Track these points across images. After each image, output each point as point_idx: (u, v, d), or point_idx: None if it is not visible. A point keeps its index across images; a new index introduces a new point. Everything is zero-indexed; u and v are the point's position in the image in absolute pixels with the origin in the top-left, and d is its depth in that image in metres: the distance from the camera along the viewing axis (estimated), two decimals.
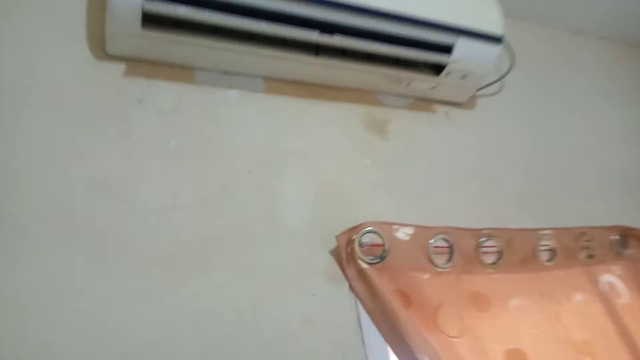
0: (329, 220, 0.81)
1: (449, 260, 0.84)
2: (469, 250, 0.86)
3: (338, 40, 0.88)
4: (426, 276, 0.80)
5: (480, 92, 1.19)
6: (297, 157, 0.86)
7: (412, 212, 0.88)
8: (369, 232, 0.79)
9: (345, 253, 0.77)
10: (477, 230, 0.88)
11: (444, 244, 0.85)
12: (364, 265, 0.76)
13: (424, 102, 1.09)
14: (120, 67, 0.81)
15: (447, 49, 0.99)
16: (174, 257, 0.70)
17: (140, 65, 0.82)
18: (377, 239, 0.79)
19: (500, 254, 0.88)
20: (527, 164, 1.11)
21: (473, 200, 0.97)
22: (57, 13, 0.79)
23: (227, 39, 0.84)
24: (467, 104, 1.15)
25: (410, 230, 0.82)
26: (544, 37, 1.47)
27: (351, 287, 0.76)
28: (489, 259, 0.87)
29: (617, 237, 1.03)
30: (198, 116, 0.82)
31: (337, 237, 0.77)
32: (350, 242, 0.77)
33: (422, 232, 0.83)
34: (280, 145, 0.86)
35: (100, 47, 0.80)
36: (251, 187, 0.79)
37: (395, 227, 0.81)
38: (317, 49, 0.91)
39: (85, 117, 0.73)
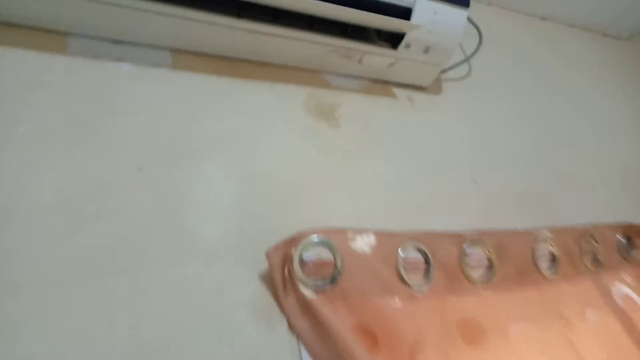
0: (258, 230, 0.57)
1: (427, 277, 0.62)
2: (451, 262, 0.64)
3: None
4: (397, 302, 0.57)
5: (447, 75, 1.00)
6: (215, 148, 0.63)
7: (372, 215, 0.66)
8: (314, 244, 0.56)
9: (280, 276, 0.53)
10: (458, 235, 0.66)
11: (418, 256, 0.63)
12: (308, 293, 0.53)
13: (381, 85, 0.89)
14: None
15: (405, 13, 0.79)
16: (29, 283, 0.45)
17: None
18: (326, 254, 0.57)
19: (490, 265, 0.67)
20: (506, 154, 0.92)
21: (447, 198, 0.76)
22: None
23: None
24: (433, 89, 0.96)
25: (371, 239, 0.60)
26: (511, 21, 1.32)
27: (290, 326, 0.52)
28: (477, 271, 0.66)
29: (623, 237, 0.85)
30: (67, 94, 0.58)
31: (268, 253, 0.54)
32: (287, 259, 0.54)
33: (388, 240, 0.61)
34: (190, 133, 0.63)
35: None
36: (143, 187, 0.55)
37: (350, 234, 0.59)
38: (239, 9, 0.70)
39: None
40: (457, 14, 0.83)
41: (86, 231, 0.50)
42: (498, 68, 1.16)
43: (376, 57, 0.84)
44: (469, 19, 1.09)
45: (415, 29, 0.80)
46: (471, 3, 1.08)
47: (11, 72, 0.57)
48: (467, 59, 1.02)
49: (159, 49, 0.69)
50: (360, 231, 0.59)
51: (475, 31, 1.04)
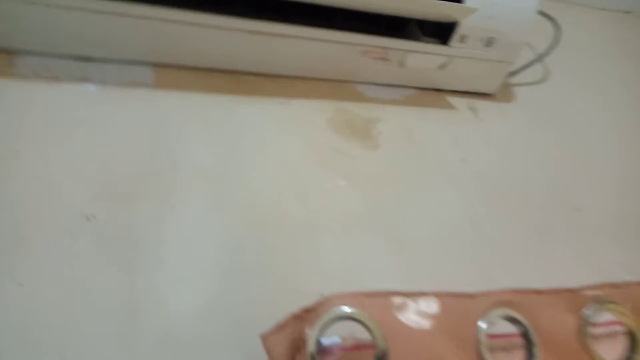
0: (253, 299, 0.38)
1: None
2: (564, 335, 0.41)
3: None
4: None
5: (517, 79, 0.79)
6: (201, 184, 0.45)
7: (427, 268, 0.44)
8: (340, 317, 0.36)
9: None
10: (571, 291, 0.43)
11: (510, 329, 0.40)
12: None
13: (432, 93, 0.70)
14: None
15: None
16: None
17: None
18: (360, 332, 0.36)
19: (632, 337, 0.42)
20: (602, 173, 0.67)
21: (534, 234, 0.53)
22: None
23: None
24: (501, 95, 0.75)
25: (432, 305, 0.38)
26: (587, 15, 1.09)
27: None
28: (610, 349, 0.42)
29: None
30: (9, 123, 0.44)
31: (266, 337, 0.34)
32: (297, 344, 0.34)
33: (460, 305, 0.39)
34: (167, 165, 0.46)
35: None
36: (91, 242, 0.38)
37: (397, 300, 0.37)
38: (238, 5, 0.54)
39: None
40: None
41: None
42: (580, 68, 0.93)
43: (422, 56, 0.65)
44: (540, 10, 0.88)
45: (471, 13, 0.60)
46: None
47: None
48: (541, 57, 0.80)
49: (138, 65, 0.54)
50: (413, 294, 0.38)
51: (546, 26, 0.83)
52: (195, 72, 0.57)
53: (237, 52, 0.57)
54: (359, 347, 0.36)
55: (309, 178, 0.50)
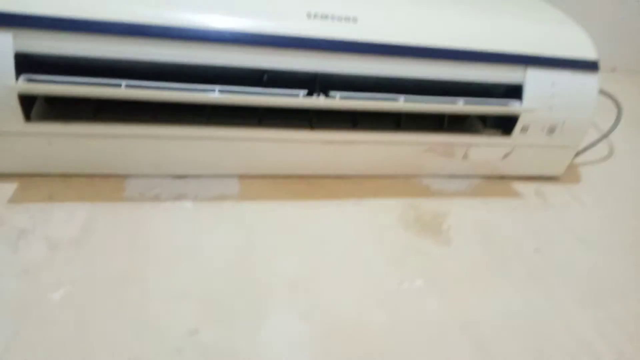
0: None
1: None
2: None
3: (338, 103, 0.57)
4: None
5: (582, 158, 0.79)
6: (288, 295, 0.48)
7: None
8: None
9: None
10: None
11: None
12: None
13: (497, 181, 0.71)
14: (8, 190, 0.53)
15: (514, 92, 0.64)
16: None
17: (41, 182, 0.55)
18: None
19: None
20: None
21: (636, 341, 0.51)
22: None
23: (167, 126, 0.55)
24: (567, 177, 0.75)
25: None
26: None
27: None
28: None
29: None
30: (114, 244, 0.50)
31: None
32: None
33: None
34: (256, 278, 0.50)
35: None
36: (197, 354, 0.42)
37: None
38: (310, 120, 0.60)
39: None
40: (584, 80, 0.65)
41: None
42: None
43: (485, 149, 0.67)
44: (601, 89, 0.90)
45: (530, 112, 0.63)
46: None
47: (55, 227, 0.50)
48: (605, 135, 0.81)
49: (225, 177, 0.61)
50: None
51: (607, 103, 0.84)
52: (275, 180, 0.62)
53: (312, 159, 0.63)
54: None
55: (385, 279, 0.52)
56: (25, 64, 0.49)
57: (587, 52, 0.65)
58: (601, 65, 1.15)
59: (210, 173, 0.60)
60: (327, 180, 0.64)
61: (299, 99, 0.56)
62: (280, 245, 0.53)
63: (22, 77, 0.48)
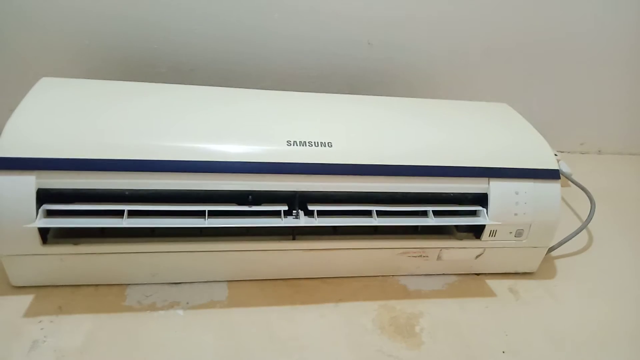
0: None
1: None
2: None
3: (315, 222, 0.64)
4: None
5: (558, 251, 0.83)
6: None
7: None
8: None
9: None
10: None
11: None
12: None
13: (472, 279, 0.76)
14: (25, 302, 0.61)
15: (478, 200, 0.70)
16: None
17: (53, 293, 0.62)
18: None
19: None
20: None
21: None
22: None
23: (162, 243, 0.63)
24: (543, 272, 0.79)
25: None
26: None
27: None
28: None
29: None
30: (116, 353, 0.56)
31: None
32: None
33: None
34: None
35: (5, 280, 0.62)
36: None
37: None
38: (292, 232, 0.67)
39: None
40: (546, 188, 0.71)
41: None
42: (622, 230, 0.95)
43: (458, 250, 0.73)
44: (574, 182, 0.95)
45: (494, 226, 0.69)
46: (577, 155, 0.95)
47: (63, 336, 0.57)
48: (579, 231, 0.85)
49: (215, 283, 0.68)
50: None
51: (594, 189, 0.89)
52: (261, 283, 0.69)
53: (295, 265, 0.69)
54: None
55: None
56: (44, 196, 0.57)
57: (547, 162, 0.72)
58: (588, 148, 1.21)
59: (201, 280, 0.67)
60: (310, 283, 0.70)
61: (281, 220, 0.63)
62: (263, 351, 0.59)
63: (40, 212, 0.56)
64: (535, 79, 1.08)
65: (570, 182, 0.98)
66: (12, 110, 0.60)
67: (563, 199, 1.00)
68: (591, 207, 0.87)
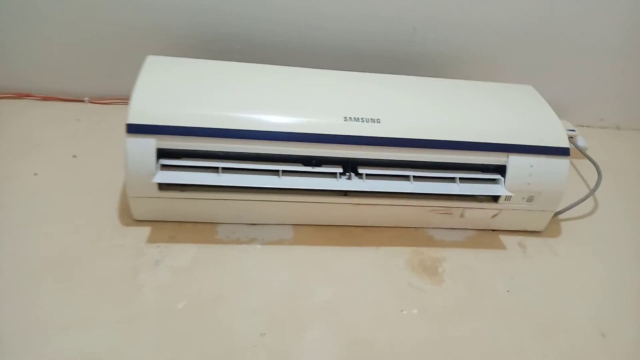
0: None
1: None
2: None
3: (364, 185, 0.81)
4: None
5: (566, 215, 0.99)
6: (323, 313, 0.73)
7: None
8: None
9: None
10: None
11: None
12: None
13: (488, 234, 0.93)
14: (145, 231, 0.81)
15: (498, 170, 0.85)
16: None
17: (165, 226, 0.82)
18: None
19: None
20: None
21: None
22: (93, 182, 0.86)
23: (246, 193, 0.82)
24: (549, 231, 0.95)
25: None
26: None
27: None
28: None
29: None
30: (213, 273, 0.76)
31: None
32: None
33: None
34: (301, 302, 0.74)
35: (128, 214, 0.83)
36: (263, 352, 0.67)
37: None
38: (345, 192, 0.85)
39: (93, 286, 0.72)
40: (557, 163, 0.86)
41: None
42: (628, 198, 1.08)
43: (477, 211, 0.89)
44: (587, 155, 1.08)
45: (508, 199, 0.84)
46: (596, 130, 1.07)
47: (175, 259, 0.78)
48: (584, 198, 0.99)
49: (284, 225, 0.86)
50: None
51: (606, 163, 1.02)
52: (318, 228, 0.87)
53: (345, 215, 0.87)
54: None
55: (391, 308, 0.76)
56: (161, 153, 0.76)
57: (559, 141, 0.85)
58: (607, 124, 1.32)
59: (273, 222, 0.86)
60: (356, 230, 0.88)
61: (336, 181, 0.80)
62: (319, 280, 0.78)
63: (158, 165, 0.75)
64: (561, 59, 1.18)
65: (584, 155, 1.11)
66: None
67: (577, 170, 1.14)
68: (598, 178, 1.00)
